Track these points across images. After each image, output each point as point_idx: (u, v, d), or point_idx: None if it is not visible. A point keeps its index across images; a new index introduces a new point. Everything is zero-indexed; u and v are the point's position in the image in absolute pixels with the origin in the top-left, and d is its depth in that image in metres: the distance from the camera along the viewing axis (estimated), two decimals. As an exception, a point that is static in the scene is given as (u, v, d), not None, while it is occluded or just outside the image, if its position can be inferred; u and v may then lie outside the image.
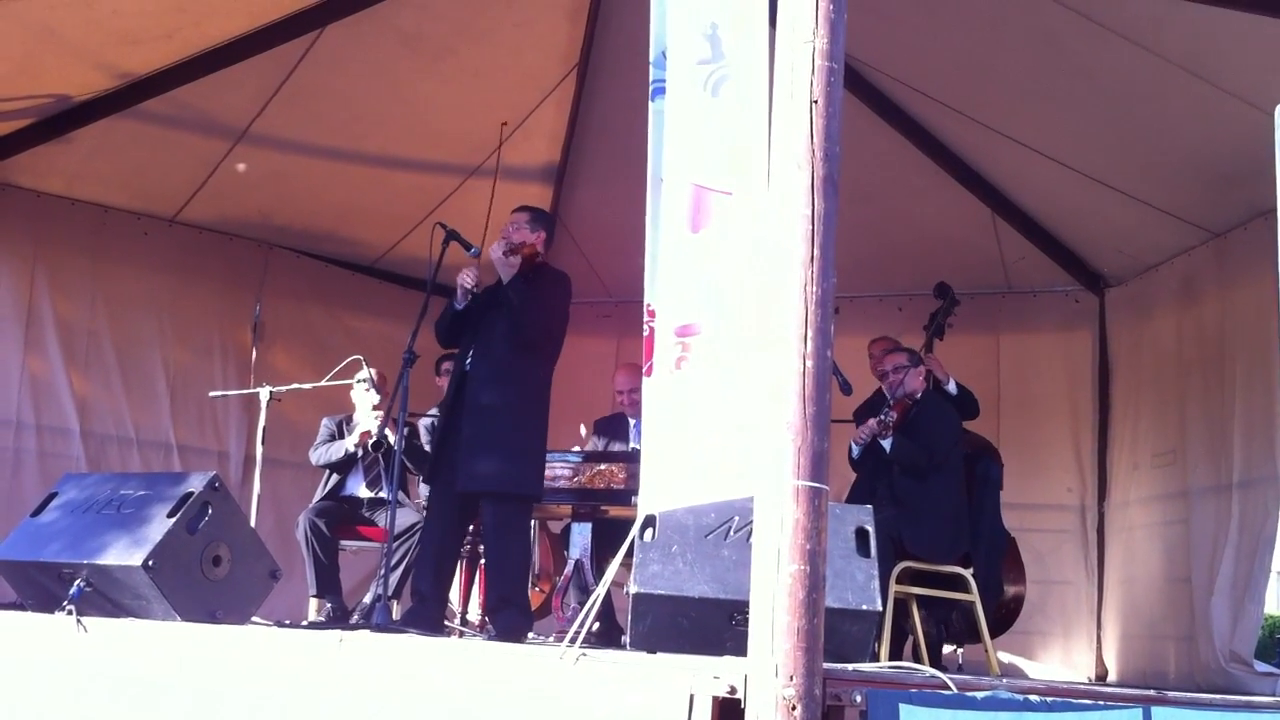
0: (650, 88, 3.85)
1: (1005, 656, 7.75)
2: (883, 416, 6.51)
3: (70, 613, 4.40)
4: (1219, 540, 6.83)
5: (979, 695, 3.34)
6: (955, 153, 7.86)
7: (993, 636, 6.44)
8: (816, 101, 3.19)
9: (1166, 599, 7.35)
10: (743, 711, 2.98)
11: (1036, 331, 8.55)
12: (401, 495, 6.95)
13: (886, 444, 6.48)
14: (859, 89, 7.55)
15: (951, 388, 6.85)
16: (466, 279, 5.72)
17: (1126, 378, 8.13)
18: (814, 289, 3.11)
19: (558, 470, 6.33)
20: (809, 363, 3.07)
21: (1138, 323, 8.05)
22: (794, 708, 2.91)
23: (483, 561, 6.96)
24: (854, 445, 6.72)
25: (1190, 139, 6.61)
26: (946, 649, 7.02)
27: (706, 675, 3.16)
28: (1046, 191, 7.79)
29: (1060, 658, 8.10)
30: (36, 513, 5.33)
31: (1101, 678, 7.85)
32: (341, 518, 6.86)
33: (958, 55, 7.01)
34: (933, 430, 6.48)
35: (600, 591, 3.82)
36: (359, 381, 6.94)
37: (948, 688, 3.32)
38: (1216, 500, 6.94)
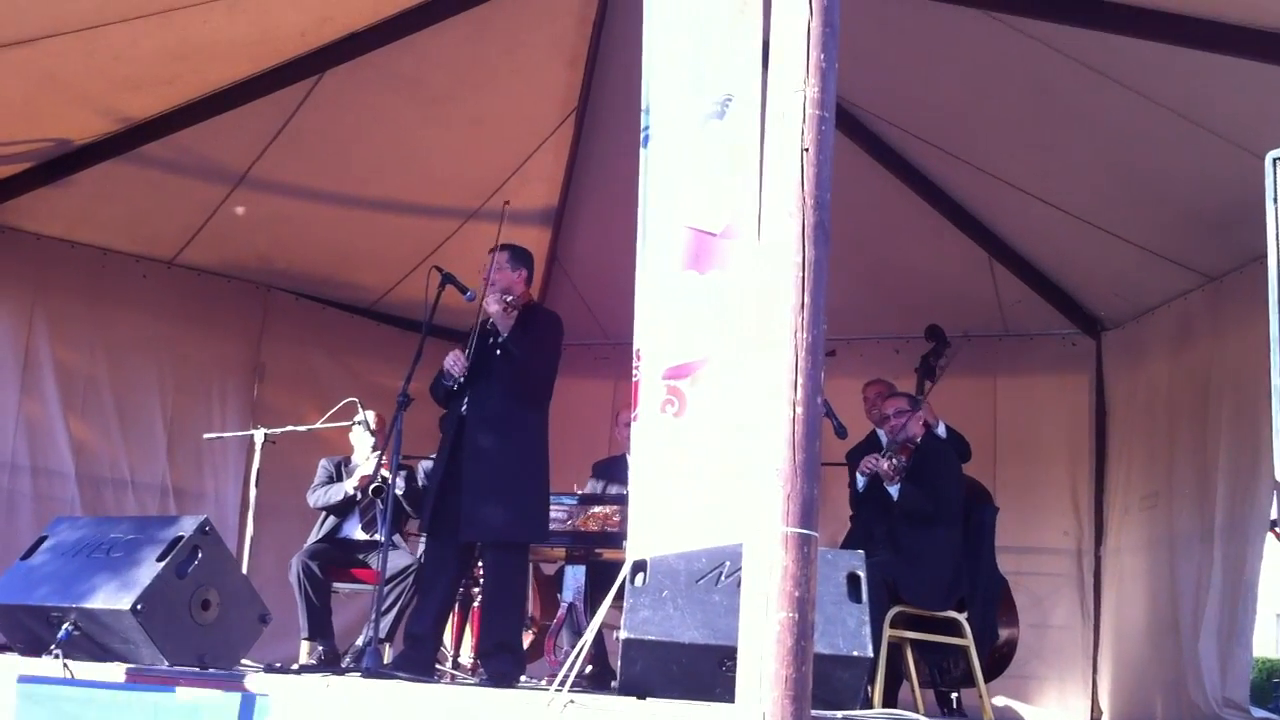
0: (642, 134, 3.87)
1: (1002, 701, 7.72)
2: (893, 460, 6.46)
3: (57, 656, 4.39)
4: (1202, 584, 6.80)
5: (969, 744, 3.32)
6: (952, 197, 7.88)
7: (987, 681, 6.40)
8: (808, 150, 3.20)
9: (1155, 644, 7.31)
10: (730, 760, 2.96)
11: (1033, 374, 8.54)
12: (397, 538, 6.93)
13: (894, 490, 6.45)
14: (856, 134, 7.60)
15: (941, 431, 6.84)
16: (455, 367, 5.72)
17: (1122, 421, 8.13)
18: (804, 335, 3.11)
19: (553, 513, 6.32)
20: (799, 409, 3.07)
21: (1134, 366, 8.06)
22: (782, 756, 2.88)
23: (475, 605, 6.94)
24: (860, 476, 6.69)
25: (1186, 183, 6.63)
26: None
27: (695, 723, 3.15)
28: (1043, 235, 7.81)
29: (1056, 701, 8.05)
30: (27, 555, 5.32)
31: (1095, 721, 7.82)
32: (335, 560, 6.84)
33: (955, 101, 7.05)
34: (937, 477, 6.44)
35: (589, 636, 3.81)
36: (357, 424, 6.95)
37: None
38: (1200, 545, 6.92)
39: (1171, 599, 7.16)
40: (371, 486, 6.77)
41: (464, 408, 5.77)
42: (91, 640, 4.78)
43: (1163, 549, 7.35)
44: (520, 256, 5.99)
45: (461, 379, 5.72)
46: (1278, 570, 8.77)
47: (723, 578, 4.06)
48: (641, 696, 3.98)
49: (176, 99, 7.01)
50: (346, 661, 6.41)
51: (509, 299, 5.71)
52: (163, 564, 4.82)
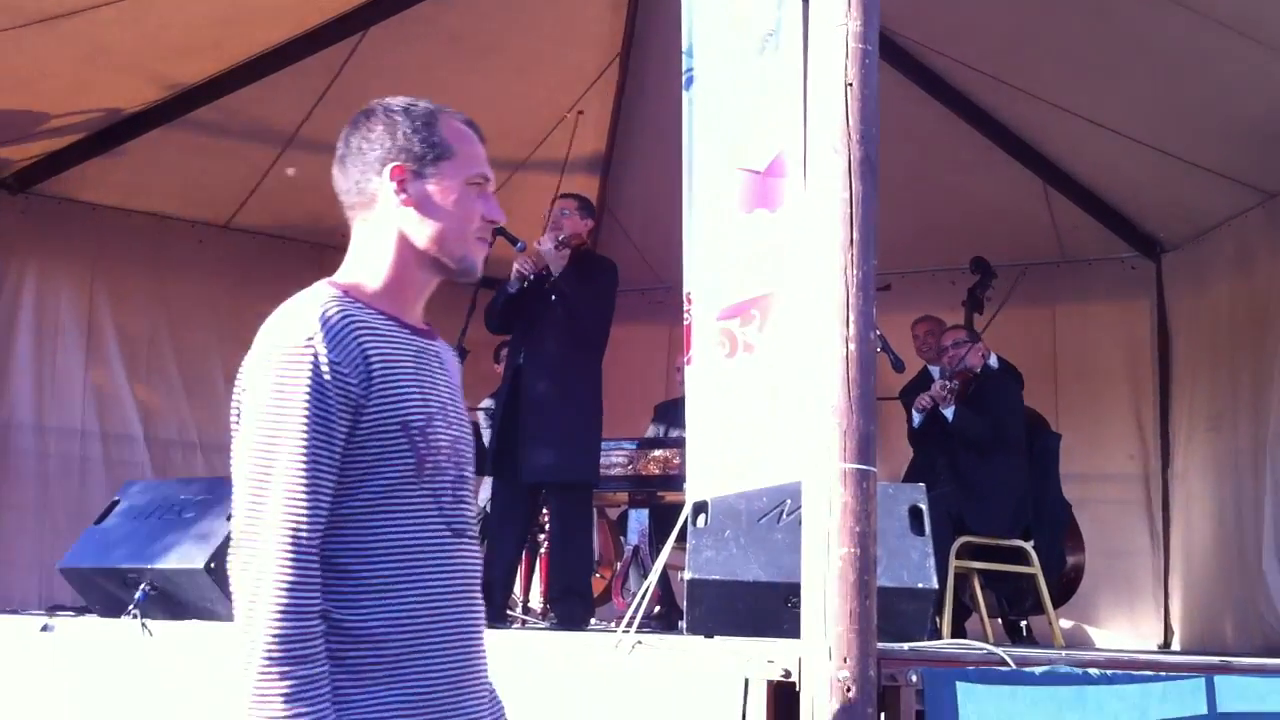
0: (684, 77, 3.86)
1: (1071, 624, 7.70)
2: (946, 382, 6.45)
3: (135, 617, 4.48)
4: (1259, 501, 6.74)
5: (1037, 670, 3.33)
6: (1004, 124, 7.77)
7: (1055, 607, 6.40)
8: (851, 84, 3.18)
9: (1222, 565, 7.26)
10: (798, 695, 3.00)
11: (1093, 301, 8.43)
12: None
13: (949, 412, 6.43)
14: (905, 65, 7.50)
15: (993, 361, 6.79)
16: (525, 265, 5.77)
17: (1185, 344, 8.01)
18: (854, 272, 3.10)
19: (613, 458, 6.38)
20: (851, 346, 3.07)
21: (1195, 287, 7.93)
22: (849, 689, 2.91)
23: (543, 550, 7.01)
24: (916, 414, 6.68)
25: (1242, 99, 6.50)
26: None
27: (760, 660, 3.19)
28: (1097, 159, 7.69)
29: (1127, 626, 8.02)
30: (100, 519, 5.43)
31: (1167, 644, 7.78)
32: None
33: (1004, 27, 6.93)
34: (998, 406, 6.43)
35: (652, 579, 3.85)
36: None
37: (1005, 664, 3.32)
38: (1255, 462, 6.86)
39: (1238, 520, 7.11)
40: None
41: (521, 356, 5.82)
42: (168, 599, 4.88)
43: (1227, 470, 7.29)
44: (587, 207, 6.07)
45: (532, 276, 5.73)
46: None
47: (784, 515, 4.07)
48: (709, 635, 4.01)
49: (224, 63, 7.05)
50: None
51: (561, 236, 5.74)
52: (232, 522, 4.89)
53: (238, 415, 2.00)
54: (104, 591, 5.11)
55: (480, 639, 2.09)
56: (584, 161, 8.66)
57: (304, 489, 1.89)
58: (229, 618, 4.70)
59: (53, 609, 5.35)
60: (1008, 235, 8.08)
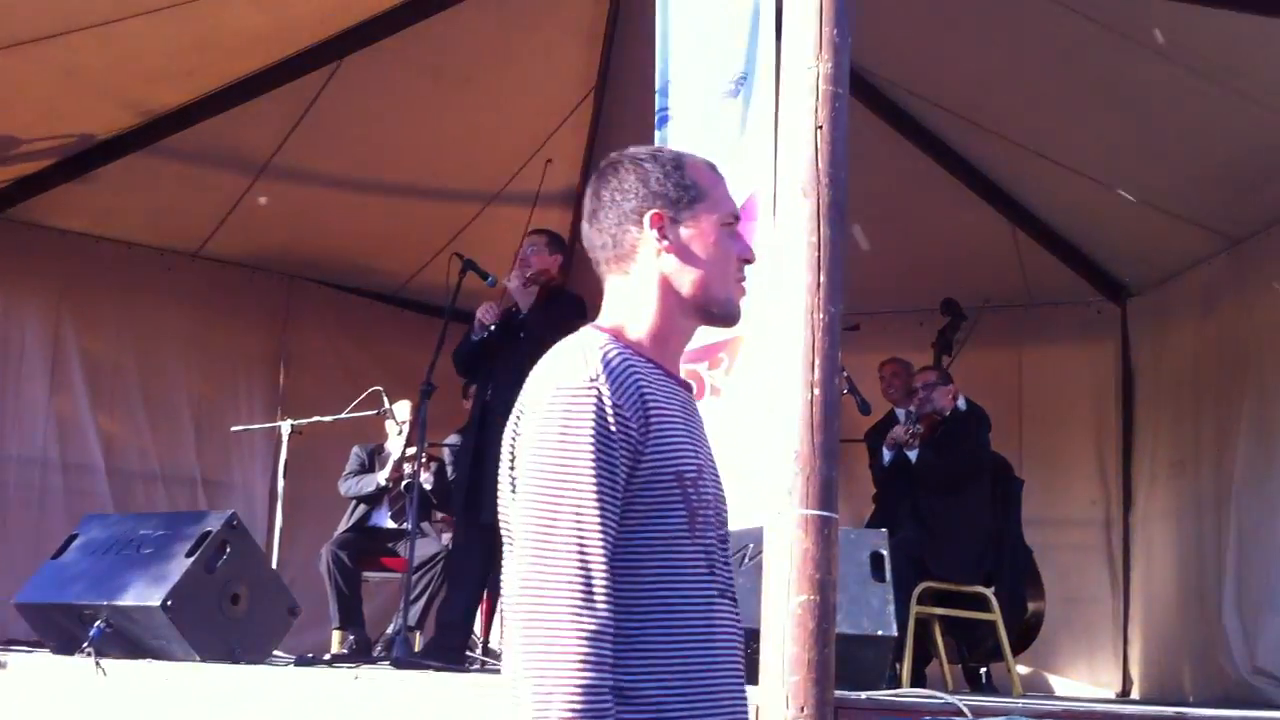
0: (656, 116, 3.86)
1: (1029, 669, 7.69)
2: (909, 426, 6.46)
3: (90, 654, 4.42)
4: (1222, 551, 6.76)
5: (994, 721, 3.31)
6: (974, 166, 7.81)
7: (1015, 654, 6.39)
8: (822, 127, 3.17)
9: (1183, 613, 7.28)
10: (755, 743, 2.96)
11: (1058, 343, 8.46)
12: (425, 526, 6.96)
13: (912, 455, 6.44)
14: (877, 105, 7.54)
15: (962, 404, 6.80)
16: (486, 315, 5.74)
17: (1149, 388, 8.06)
18: (821, 315, 3.09)
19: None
20: (816, 391, 3.05)
21: (1159, 331, 7.99)
22: (806, 738, 2.88)
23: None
24: (886, 451, 6.67)
25: (1209, 146, 6.57)
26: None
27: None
28: (1066, 202, 7.74)
29: (1086, 673, 8.02)
30: (58, 554, 5.37)
31: (1126, 693, 7.78)
32: (364, 549, 6.87)
33: (975, 69, 6.99)
34: (964, 449, 6.43)
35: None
36: (382, 413, 6.96)
37: (962, 714, 3.30)
38: (1217, 508, 6.89)
39: (1199, 568, 7.13)
40: (403, 483, 6.79)
41: (488, 394, 5.79)
42: (124, 637, 4.83)
43: (1189, 517, 7.32)
44: (556, 242, 6.03)
45: (493, 326, 5.72)
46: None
47: (746, 559, 4.05)
48: (669, 680, 3.97)
49: (197, 90, 7.03)
50: (378, 650, 6.44)
51: (529, 273, 5.72)
52: (191, 560, 4.86)
53: (511, 460, 1.94)
54: (60, 628, 5.05)
55: (744, 707, 1.99)
56: (558, 195, 8.65)
57: (595, 534, 1.80)
58: (185, 657, 4.68)
59: (7, 644, 5.28)
60: (976, 277, 8.11)
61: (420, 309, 9.07)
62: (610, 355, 1.91)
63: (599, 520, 1.81)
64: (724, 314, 2.09)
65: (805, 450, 3.01)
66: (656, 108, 3.93)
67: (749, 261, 2.11)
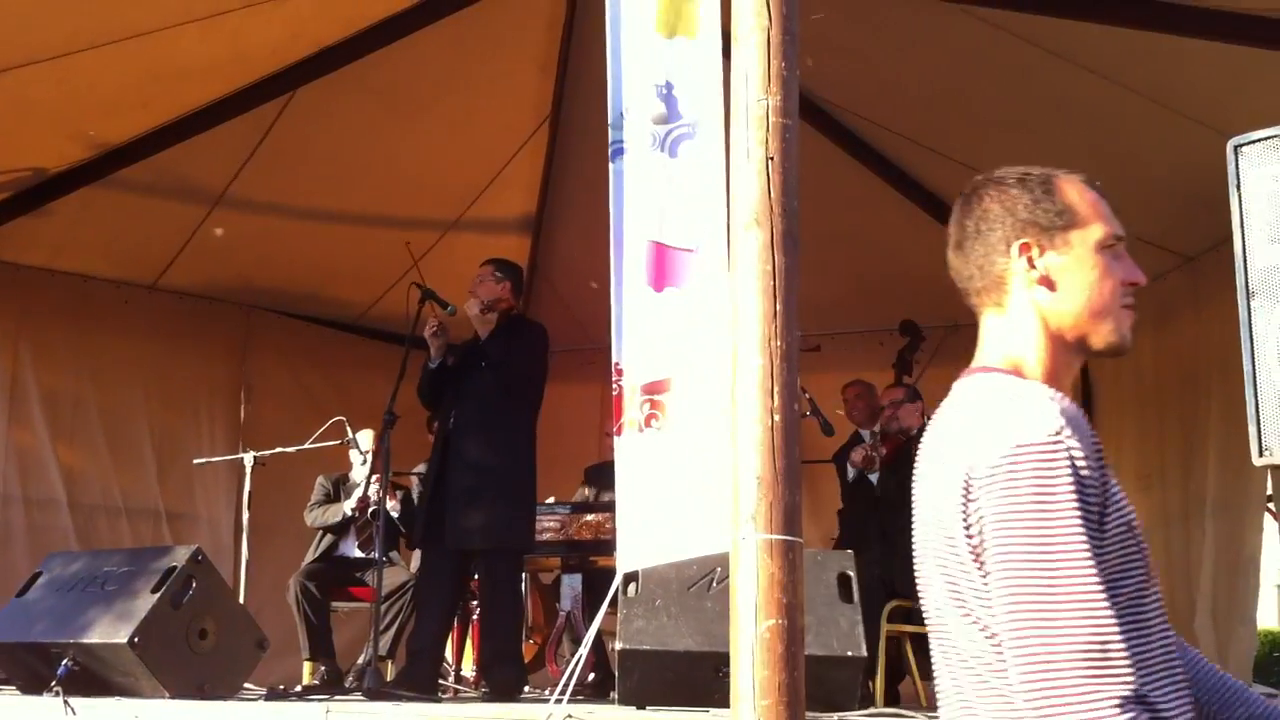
0: (610, 148, 3.90)
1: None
2: (870, 451, 6.49)
3: (58, 693, 4.39)
4: (1194, 563, 6.85)
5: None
6: (928, 189, 7.90)
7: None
8: (773, 158, 3.21)
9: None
10: (726, 769, 2.99)
11: (1017, 361, 8.54)
12: (394, 555, 6.96)
13: (874, 478, 6.48)
14: (831, 130, 7.62)
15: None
16: (430, 333, 5.79)
17: (1109, 403, 8.16)
18: (778, 343, 3.12)
19: (545, 523, 6.36)
20: (776, 417, 3.08)
21: (1117, 348, 8.08)
22: (777, 763, 2.91)
23: (475, 617, 6.96)
24: (850, 469, 6.70)
25: (1159, 166, 6.66)
26: None
27: (690, 734, 3.18)
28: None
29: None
30: (22, 592, 5.34)
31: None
32: (332, 579, 6.85)
33: (927, 93, 7.07)
34: None
35: (584, 649, 3.84)
36: (347, 443, 6.95)
37: (930, 733, 3.34)
38: (1192, 524, 6.97)
39: (1168, 581, 7.20)
40: (370, 511, 6.78)
41: (451, 422, 5.82)
42: (91, 675, 4.80)
43: (1157, 529, 7.38)
44: (506, 268, 6.06)
45: (449, 360, 5.79)
46: (1275, 541, 8.82)
47: (714, 584, 4.09)
48: (640, 706, 4.00)
49: (151, 122, 7.02)
50: (349, 681, 6.43)
51: (484, 302, 5.76)
52: (157, 595, 4.83)
53: (967, 529, 1.76)
54: (25, 666, 5.02)
55: None
56: (515, 222, 8.69)
57: (1100, 598, 1.63)
58: (154, 694, 4.66)
59: (-26, 683, 5.24)
60: (935, 297, 8.14)
61: (381, 337, 9.07)
62: (1064, 404, 1.76)
63: (1098, 582, 1.64)
64: (1109, 347, 1.91)
65: (768, 476, 3.04)
66: (610, 140, 3.96)
67: (1136, 285, 1.94)
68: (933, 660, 1.88)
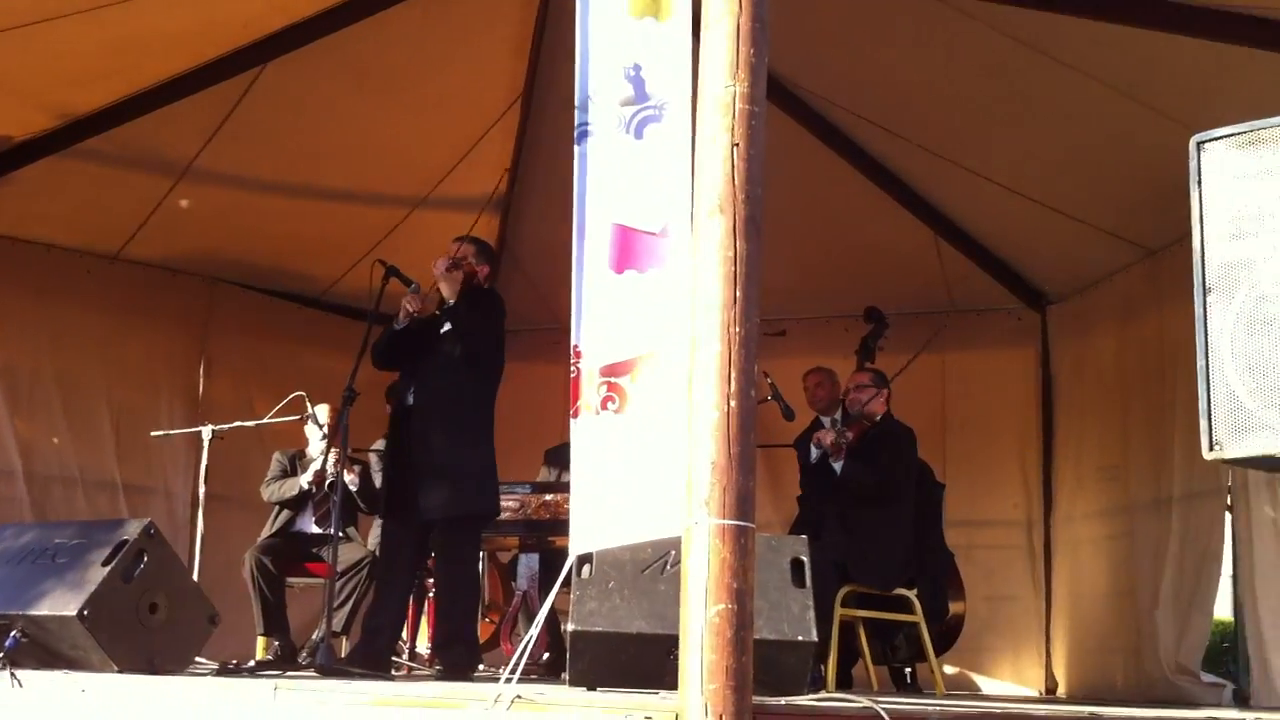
0: (575, 130, 3.88)
1: (954, 669, 7.81)
2: (838, 437, 6.47)
3: (5, 665, 4.36)
4: (1160, 553, 6.91)
5: (911, 726, 3.37)
6: (897, 176, 7.93)
7: (937, 654, 6.49)
8: (738, 145, 3.21)
9: (1112, 612, 7.42)
10: (674, 750, 3.00)
11: (980, 349, 8.60)
12: (351, 531, 6.94)
13: (837, 466, 6.48)
14: (801, 114, 7.62)
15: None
16: (413, 303, 5.78)
17: (1069, 393, 8.22)
18: (737, 330, 3.13)
19: (505, 502, 6.35)
20: (733, 403, 3.09)
21: (1079, 339, 8.15)
22: (724, 746, 2.92)
23: (431, 595, 6.96)
24: (814, 448, 6.69)
25: (1125, 159, 6.70)
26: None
27: (638, 715, 3.19)
28: (987, 212, 7.88)
29: (1011, 673, 8.16)
30: (-30, 564, 5.29)
31: (1051, 691, 7.92)
32: (288, 555, 6.83)
33: (899, 81, 7.09)
34: (892, 457, 6.46)
35: (535, 630, 3.84)
36: (306, 418, 6.93)
37: (880, 717, 3.35)
38: (1157, 514, 7.02)
39: (1130, 568, 7.27)
40: (326, 482, 6.76)
41: (410, 395, 5.80)
42: (40, 648, 4.76)
43: (1121, 519, 7.45)
44: (486, 252, 6.09)
45: (416, 315, 5.76)
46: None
47: (668, 567, 4.09)
48: (591, 688, 4.01)
49: (118, 93, 6.94)
50: (303, 657, 6.42)
51: (453, 258, 5.76)
52: (108, 569, 4.79)
53: None
54: (-27, 639, 4.96)
55: None
56: (483, 201, 8.64)
57: None
58: (103, 668, 4.63)
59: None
60: (898, 284, 8.23)
61: (343, 313, 9.03)
62: None
63: None
64: None
65: (722, 461, 3.05)
66: (576, 122, 3.94)
67: None
68: None
